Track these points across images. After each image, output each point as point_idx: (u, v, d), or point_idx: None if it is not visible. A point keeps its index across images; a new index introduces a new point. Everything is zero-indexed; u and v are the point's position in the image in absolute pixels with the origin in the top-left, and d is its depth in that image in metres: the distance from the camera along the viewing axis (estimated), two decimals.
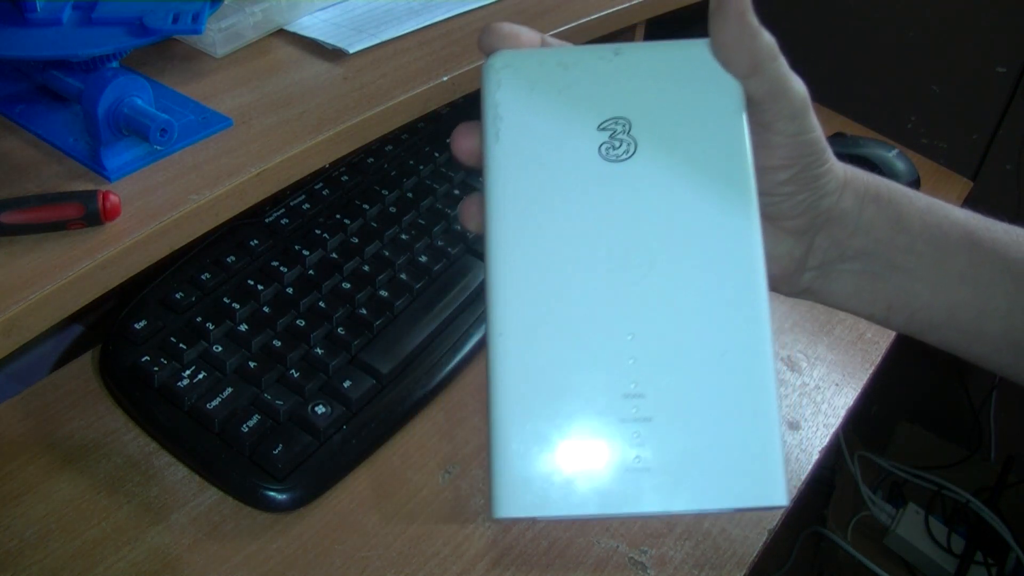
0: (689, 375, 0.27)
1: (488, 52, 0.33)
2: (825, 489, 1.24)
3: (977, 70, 1.01)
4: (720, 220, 0.29)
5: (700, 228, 0.29)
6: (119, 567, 0.46)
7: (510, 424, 0.28)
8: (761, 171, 0.33)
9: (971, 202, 0.87)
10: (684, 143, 0.31)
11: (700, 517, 0.51)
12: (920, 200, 0.36)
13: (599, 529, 0.50)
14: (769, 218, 0.35)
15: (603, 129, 0.31)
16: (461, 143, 0.33)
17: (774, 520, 0.52)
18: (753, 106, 0.32)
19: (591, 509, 0.26)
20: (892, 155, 0.82)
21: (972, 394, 1.25)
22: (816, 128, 0.34)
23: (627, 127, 0.31)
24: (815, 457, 0.56)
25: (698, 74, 0.32)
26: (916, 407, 1.33)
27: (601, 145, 0.31)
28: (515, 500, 0.27)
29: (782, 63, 0.32)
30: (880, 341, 0.66)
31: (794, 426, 0.58)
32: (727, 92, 0.31)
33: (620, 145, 0.31)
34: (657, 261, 0.29)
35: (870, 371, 0.64)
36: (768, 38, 0.32)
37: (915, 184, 0.82)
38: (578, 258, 0.29)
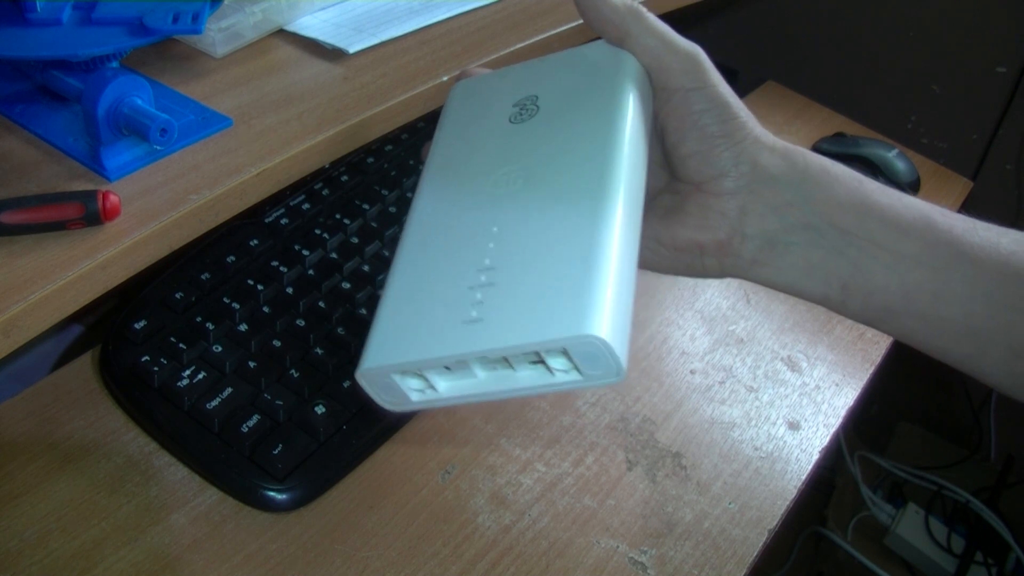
0: (530, 251, 0.32)
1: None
2: (825, 489, 1.24)
3: (977, 70, 1.01)
4: (591, 150, 0.34)
5: (573, 156, 0.35)
6: (119, 567, 0.46)
7: (388, 298, 0.33)
8: (674, 134, 0.37)
9: (971, 202, 0.87)
10: (576, 103, 0.37)
11: (699, 517, 0.51)
12: (873, 183, 0.36)
13: (599, 529, 0.50)
14: (695, 185, 0.37)
15: (516, 105, 0.39)
16: (424, 153, 0.41)
17: (774, 520, 0.52)
18: (652, 74, 0.37)
19: (427, 354, 0.30)
20: (892, 155, 0.82)
21: (972, 394, 1.24)
22: (719, 84, 0.36)
23: (535, 100, 0.38)
24: (815, 457, 0.56)
25: (604, 59, 0.38)
26: (916, 407, 1.33)
27: (512, 115, 0.38)
28: (376, 356, 0.31)
29: (653, 23, 0.36)
30: (880, 341, 0.66)
31: (794, 426, 0.58)
32: (624, 65, 0.37)
33: (525, 112, 0.38)
34: (532, 179, 0.35)
35: (870, 371, 0.64)
36: (625, 2, 0.36)
37: (915, 184, 0.82)
38: (475, 180, 0.36)
